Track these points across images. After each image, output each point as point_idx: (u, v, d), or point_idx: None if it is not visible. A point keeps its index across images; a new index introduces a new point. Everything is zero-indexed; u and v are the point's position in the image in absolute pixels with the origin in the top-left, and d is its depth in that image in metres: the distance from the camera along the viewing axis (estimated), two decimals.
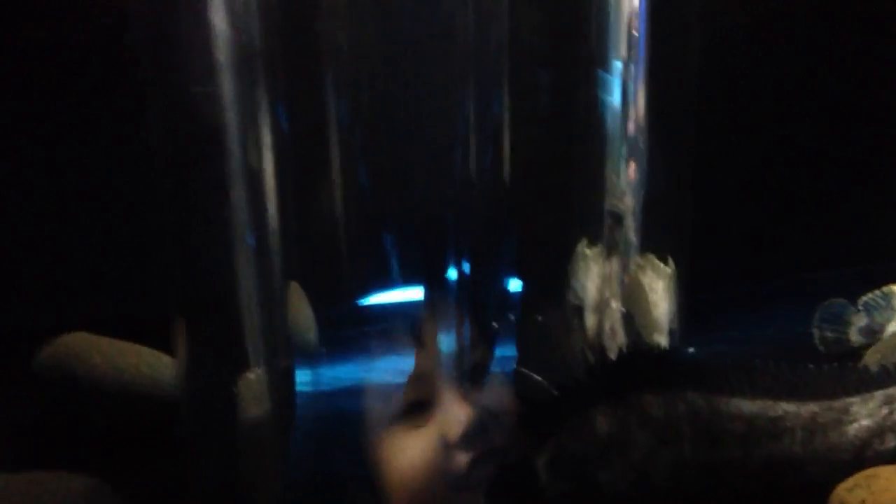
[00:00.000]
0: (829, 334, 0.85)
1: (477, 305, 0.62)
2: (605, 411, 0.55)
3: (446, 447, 0.58)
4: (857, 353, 0.82)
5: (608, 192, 0.59)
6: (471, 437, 0.58)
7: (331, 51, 0.56)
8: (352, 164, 0.58)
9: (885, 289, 0.85)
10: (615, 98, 0.57)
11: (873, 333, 0.84)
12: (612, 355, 0.60)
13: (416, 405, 0.60)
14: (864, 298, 0.85)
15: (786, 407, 0.59)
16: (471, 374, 0.61)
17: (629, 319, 0.61)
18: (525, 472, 0.57)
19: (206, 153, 0.59)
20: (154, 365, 0.75)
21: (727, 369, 0.60)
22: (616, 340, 0.60)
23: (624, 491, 0.55)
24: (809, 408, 0.58)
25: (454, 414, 0.59)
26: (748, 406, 0.59)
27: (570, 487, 0.55)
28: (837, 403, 0.59)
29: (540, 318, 0.64)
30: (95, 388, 0.72)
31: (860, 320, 0.85)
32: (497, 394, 0.62)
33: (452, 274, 0.60)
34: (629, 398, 0.56)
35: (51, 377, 0.74)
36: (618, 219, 0.59)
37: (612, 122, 0.58)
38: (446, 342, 0.60)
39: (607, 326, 0.60)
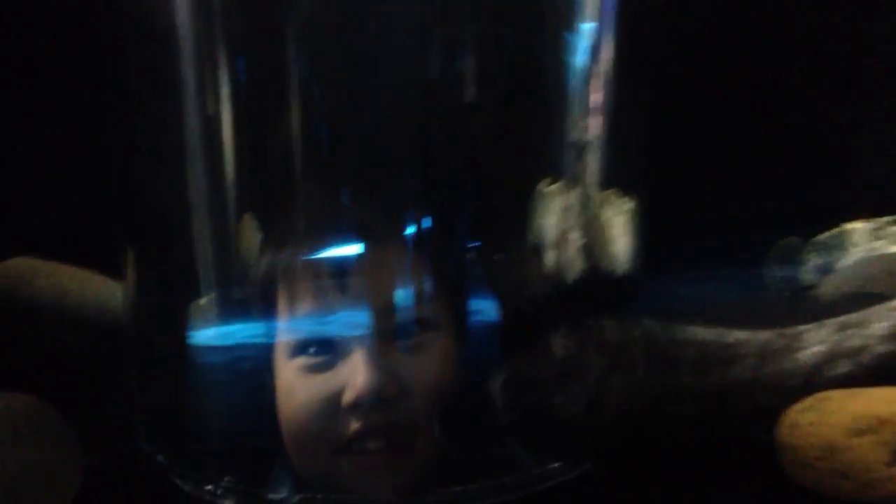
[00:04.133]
0: (781, 273, 0.88)
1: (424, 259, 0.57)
2: (561, 335, 0.56)
3: (337, 407, 0.55)
4: (808, 291, 0.85)
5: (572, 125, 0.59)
6: (362, 407, 0.54)
7: None
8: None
9: (836, 229, 0.87)
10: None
11: (824, 272, 0.86)
12: (570, 282, 0.60)
13: (325, 346, 0.55)
14: (816, 238, 0.88)
15: (738, 334, 0.61)
16: (398, 334, 0.56)
17: (589, 251, 0.61)
18: (479, 396, 0.57)
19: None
20: (101, 289, 0.74)
21: (684, 296, 0.61)
22: (574, 270, 0.60)
23: (577, 415, 0.56)
24: (762, 335, 0.61)
25: (354, 375, 0.54)
26: (701, 333, 0.61)
27: (525, 411, 0.56)
28: (789, 331, 0.61)
29: (496, 258, 0.62)
30: (38, 311, 0.71)
31: (812, 259, 0.88)
32: (424, 361, 0.56)
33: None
34: (585, 323, 0.56)
35: None
36: (581, 150, 0.59)
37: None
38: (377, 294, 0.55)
39: (566, 257, 0.60)
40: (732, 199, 0.89)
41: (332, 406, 0.54)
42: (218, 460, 0.60)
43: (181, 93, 0.59)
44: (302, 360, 0.55)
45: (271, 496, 0.58)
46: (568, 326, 0.56)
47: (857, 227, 0.85)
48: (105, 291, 0.74)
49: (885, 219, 0.85)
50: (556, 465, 0.57)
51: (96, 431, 0.65)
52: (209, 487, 0.58)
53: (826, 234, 0.87)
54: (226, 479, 0.58)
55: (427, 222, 0.57)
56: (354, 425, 0.54)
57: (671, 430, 0.58)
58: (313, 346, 0.55)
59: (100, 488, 0.60)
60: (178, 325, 0.61)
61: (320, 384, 0.55)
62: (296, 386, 0.56)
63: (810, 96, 0.97)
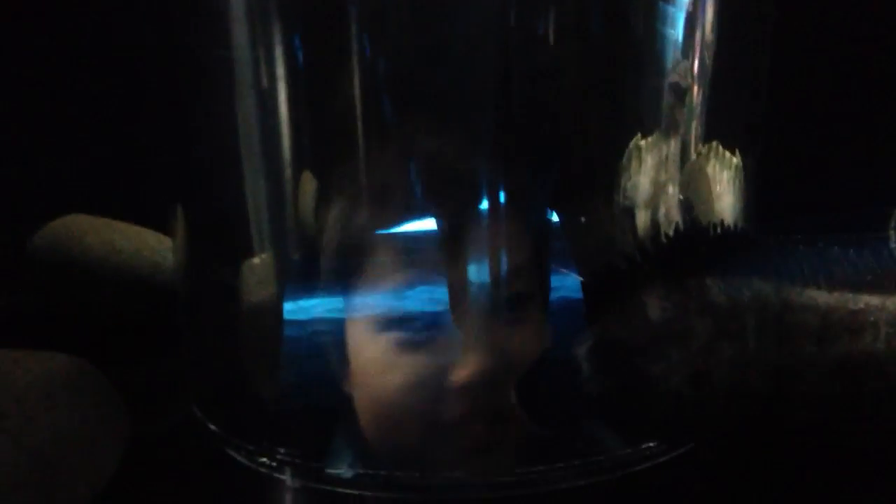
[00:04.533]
0: None
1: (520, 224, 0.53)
2: (658, 295, 0.48)
3: (440, 387, 0.51)
4: None
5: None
6: (468, 391, 0.50)
7: None
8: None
9: None
10: None
11: None
12: (667, 239, 0.52)
13: (423, 321, 0.52)
14: None
15: (868, 299, 0.52)
16: (508, 307, 0.51)
17: (688, 206, 0.53)
18: (565, 364, 0.50)
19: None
20: (155, 247, 0.69)
21: (801, 256, 0.53)
22: (671, 226, 0.53)
23: (677, 389, 0.48)
24: None
25: (460, 354, 0.50)
26: (824, 297, 0.53)
27: (616, 382, 0.48)
28: None
29: (584, 220, 0.55)
30: (89, 269, 0.67)
31: None
32: (527, 337, 0.52)
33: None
34: (687, 282, 0.49)
35: (44, 259, 0.69)
36: (680, 94, 0.51)
37: None
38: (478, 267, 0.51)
39: (662, 212, 0.52)
40: (857, 163, 0.80)
41: (434, 386, 0.50)
42: (275, 431, 0.55)
43: (235, 42, 0.54)
44: (396, 336, 0.51)
45: (330, 471, 0.53)
46: (666, 286, 0.49)
47: None
48: (160, 250, 0.70)
49: None
50: (650, 444, 0.51)
51: (147, 397, 0.61)
52: (264, 459, 0.54)
53: None
54: (282, 450, 0.54)
55: (513, 185, 0.51)
56: (459, 407, 0.50)
57: (788, 408, 0.51)
58: (410, 321, 0.51)
59: (150, 456, 0.57)
60: (236, 287, 0.57)
61: (421, 362, 0.51)
62: (391, 363, 0.51)
63: None
